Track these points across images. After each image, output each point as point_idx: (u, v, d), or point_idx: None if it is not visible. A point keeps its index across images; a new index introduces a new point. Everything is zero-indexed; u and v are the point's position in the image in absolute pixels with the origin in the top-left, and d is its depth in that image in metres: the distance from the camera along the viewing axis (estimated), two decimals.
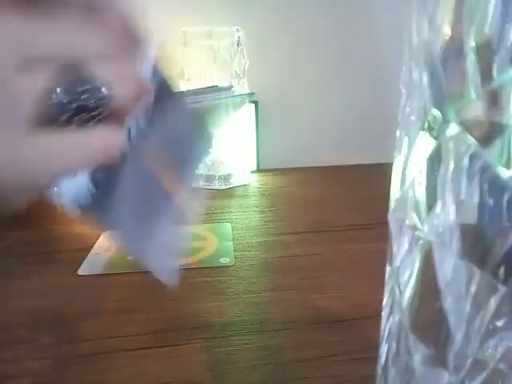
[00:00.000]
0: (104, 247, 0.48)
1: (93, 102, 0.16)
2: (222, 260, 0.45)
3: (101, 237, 0.50)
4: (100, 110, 0.17)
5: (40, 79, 0.16)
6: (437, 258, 0.15)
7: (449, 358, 0.15)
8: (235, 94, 0.51)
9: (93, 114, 0.17)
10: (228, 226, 0.54)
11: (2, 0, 0.15)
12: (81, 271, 0.43)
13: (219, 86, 0.51)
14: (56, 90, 0.16)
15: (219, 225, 0.54)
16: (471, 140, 0.13)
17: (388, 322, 0.20)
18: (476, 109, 0.13)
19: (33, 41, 0.15)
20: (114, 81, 0.17)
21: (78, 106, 0.16)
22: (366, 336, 0.32)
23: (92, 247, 0.47)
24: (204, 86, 0.50)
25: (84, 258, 0.45)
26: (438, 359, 0.16)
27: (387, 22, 0.72)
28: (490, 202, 0.13)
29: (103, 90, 0.16)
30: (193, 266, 0.44)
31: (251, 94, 0.66)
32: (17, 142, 0.16)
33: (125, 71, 0.17)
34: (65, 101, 0.16)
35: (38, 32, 0.16)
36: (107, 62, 0.17)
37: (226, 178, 0.69)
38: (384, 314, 0.21)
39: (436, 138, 0.15)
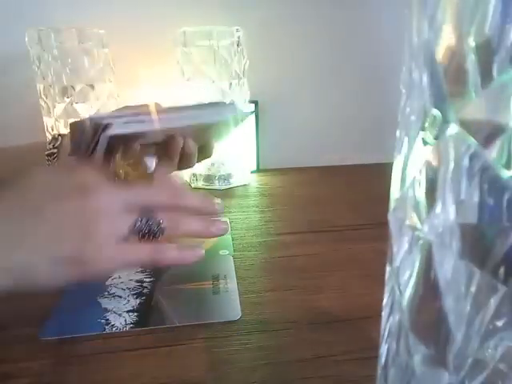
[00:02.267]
0: None
1: (155, 228, 0.31)
2: (221, 252, 0.46)
3: None
4: (156, 234, 0.31)
5: (133, 218, 0.30)
6: (437, 258, 0.15)
7: (449, 358, 0.15)
8: (237, 110, 0.52)
9: (153, 236, 0.31)
10: (226, 220, 0.55)
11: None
12: None
13: (221, 102, 0.52)
14: (138, 222, 0.30)
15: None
16: (471, 140, 0.13)
17: (388, 322, 0.20)
18: (476, 109, 0.13)
19: (132, 198, 0.31)
20: (165, 221, 0.31)
21: (146, 231, 0.30)
22: (366, 336, 0.32)
23: None
24: (206, 102, 0.51)
25: None
26: (438, 359, 0.16)
27: (387, 22, 0.73)
28: (490, 201, 0.13)
29: (161, 223, 0.31)
30: None
31: (252, 112, 0.67)
32: (105, 246, 0.29)
33: (170, 216, 0.32)
34: (142, 227, 0.30)
35: (135, 195, 0.31)
36: (165, 210, 0.32)
37: (226, 177, 0.69)
38: (384, 314, 0.21)
39: (436, 138, 0.15)
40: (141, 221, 0.30)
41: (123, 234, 0.30)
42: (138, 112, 0.44)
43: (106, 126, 0.41)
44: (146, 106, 0.44)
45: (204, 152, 0.54)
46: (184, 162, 0.50)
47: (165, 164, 0.49)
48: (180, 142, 0.48)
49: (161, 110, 0.45)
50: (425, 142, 0.16)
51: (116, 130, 0.42)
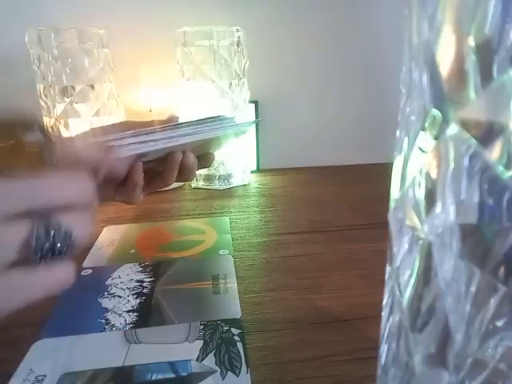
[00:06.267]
0: (106, 242, 0.49)
1: (59, 244, 0.21)
2: (221, 252, 0.46)
3: (102, 233, 0.51)
4: (64, 249, 0.22)
5: (23, 229, 0.20)
6: (437, 258, 0.15)
7: (449, 358, 0.15)
8: (238, 123, 0.52)
9: (58, 253, 0.21)
10: (226, 219, 0.55)
11: None
12: (84, 266, 0.43)
13: (221, 116, 0.52)
14: (34, 238, 0.20)
15: (218, 218, 0.55)
16: (471, 140, 0.13)
17: (388, 322, 0.20)
18: (476, 109, 0.13)
19: (15, 200, 0.20)
20: (75, 227, 0.22)
21: (48, 248, 0.21)
22: (366, 336, 0.32)
23: (92, 247, 0.48)
24: (207, 117, 0.51)
25: (84, 258, 0.45)
26: (438, 359, 0.16)
27: (387, 22, 0.73)
28: (490, 202, 0.13)
29: (67, 234, 0.21)
30: (194, 258, 0.45)
31: (257, 121, 0.67)
32: None
33: (83, 219, 0.23)
34: (39, 245, 0.21)
35: (19, 192, 0.20)
36: (71, 213, 0.22)
37: (226, 178, 0.69)
38: (384, 314, 0.21)
39: (436, 138, 0.15)
40: (38, 232, 0.20)
41: (11, 257, 0.20)
42: (140, 132, 0.43)
43: (109, 150, 0.41)
44: (148, 123, 0.44)
45: (203, 162, 0.54)
46: (184, 175, 0.50)
47: (164, 177, 0.49)
48: (179, 157, 0.48)
49: (162, 129, 0.45)
50: (422, 151, 0.16)
51: (119, 153, 0.41)
